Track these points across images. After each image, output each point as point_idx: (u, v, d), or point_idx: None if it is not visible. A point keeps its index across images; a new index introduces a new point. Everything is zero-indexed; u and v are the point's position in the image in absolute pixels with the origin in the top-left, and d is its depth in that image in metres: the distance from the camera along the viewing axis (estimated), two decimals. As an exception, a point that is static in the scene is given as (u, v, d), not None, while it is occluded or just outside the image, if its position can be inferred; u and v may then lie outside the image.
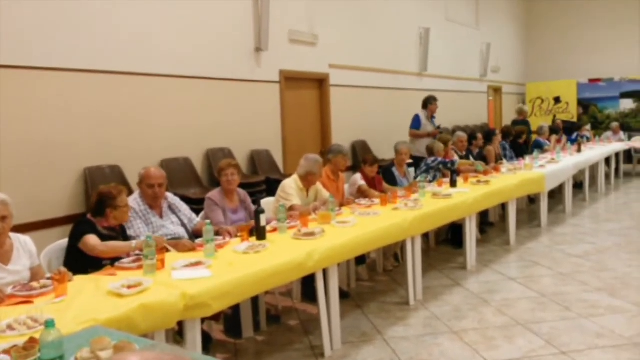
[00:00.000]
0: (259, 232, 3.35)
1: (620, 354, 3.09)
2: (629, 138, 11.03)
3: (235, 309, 3.51)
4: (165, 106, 5.32)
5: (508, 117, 13.36)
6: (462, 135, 7.18)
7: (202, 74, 5.67)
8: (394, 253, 5.16)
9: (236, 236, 3.43)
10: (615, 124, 11.24)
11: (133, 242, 3.00)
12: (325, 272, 3.27)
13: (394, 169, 5.73)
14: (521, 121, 9.94)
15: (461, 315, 3.79)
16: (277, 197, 4.24)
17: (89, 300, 2.30)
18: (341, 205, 4.46)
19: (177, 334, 2.92)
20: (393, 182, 5.58)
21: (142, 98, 5.09)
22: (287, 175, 4.99)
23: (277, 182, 4.63)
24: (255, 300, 3.62)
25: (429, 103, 7.93)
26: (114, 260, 2.92)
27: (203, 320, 2.71)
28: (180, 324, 2.50)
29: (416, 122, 7.63)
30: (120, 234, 3.15)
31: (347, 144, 7.77)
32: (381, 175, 5.70)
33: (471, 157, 7.19)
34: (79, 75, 4.56)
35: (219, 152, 5.75)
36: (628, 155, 10.81)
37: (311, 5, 7.15)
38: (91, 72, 4.64)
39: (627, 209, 7.45)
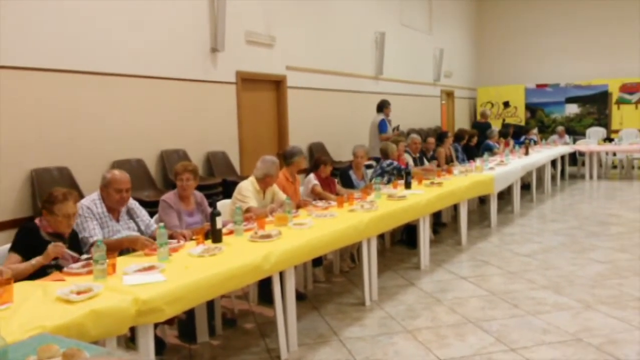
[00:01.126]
0: (215, 235, 3.32)
1: (566, 349, 3.23)
2: (574, 141, 11.57)
3: (190, 313, 3.46)
4: (118, 106, 5.19)
5: (460, 120, 13.77)
6: (416, 137, 7.34)
7: (156, 74, 5.56)
8: (350, 254, 5.21)
9: (191, 239, 3.38)
10: (560, 128, 11.77)
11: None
12: (282, 274, 3.27)
13: (351, 172, 5.79)
14: (484, 123, 10.38)
15: (415, 315, 3.87)
16: (233, 199, 4.21)
17: (36, 307, 2.22)
18: (298, 207, 4.48)
19: (130, 340, 2.85)
20: (350, 184, 5.64)
21: (92, 97, 4.95)
22: (244, 177, 4.95)
23: (234, 184, 4.59)
24: (210, 304, 3.57)
25: (384, 107, 8.16)
26: (60, 266, 2.82)
27: (156, 325, 2.65)
28: (133, 329, 2.45)
29: (384, 127, 7.89)
30: (68, 240, 3.03)
31: (304, 146, 7.79)
32: (338, 178, 5.76)
33: (424, 159, 7.37)
34: (25, 73, 4.38)
35: (173, 154, 5.65)
36: (573, 157, 11.34)
37: (268, 7, 7.14)
38: (38, 70, 4.48)
39: (572, 209, 7.80)
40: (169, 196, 3.81)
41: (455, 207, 6.35)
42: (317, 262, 4.67)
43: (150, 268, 2.72)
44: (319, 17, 8.25)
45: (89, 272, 2.65)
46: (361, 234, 4.03)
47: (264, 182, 4.27)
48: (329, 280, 4.83)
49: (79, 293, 2.29)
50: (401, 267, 5.13)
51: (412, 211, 4.82)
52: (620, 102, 12.61)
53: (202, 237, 3.32)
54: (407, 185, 5.50)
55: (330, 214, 4.18)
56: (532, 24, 14.08)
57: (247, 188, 4.18)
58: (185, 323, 3.59)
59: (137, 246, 3.12)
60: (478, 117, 11.14)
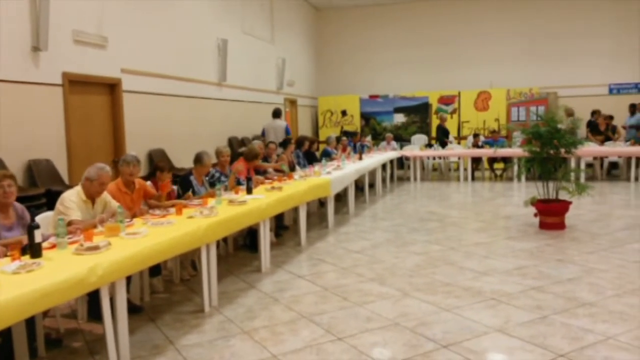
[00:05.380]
0: (33, 250, 3.07)
1: (385, 333, 3.61)
2: (401, 147, 12.82)
3: (6, 335, 3.14)
4: None
5: (304, 128, 14.39)
6: (260, 143, 7.56)
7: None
8: (192, 262, 5.17)
9: (5, 255, 3.09)
10: (388, 135, 12.97)
11: None
12: (112, 286, 3.15)
13: (192, 178, 5.73)
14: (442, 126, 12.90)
15: (253, 316, 3.99)
16: (56, 210, 3.91)
17: None
18: (134, 216, 4.33)
19: None
20: (191, 190, 5.58)
21: None
22: (73, 187, 4.62)
23: (61, 195, 4.25)
24: (31, 324, 3.29)
25: (281, 113, 10.30)
26: None
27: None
28: None
29: (289, 129, 10.01)
30: None
31: (143, 153, 7.50)
32: (178, 184, 5.66)
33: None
34: None
35: (-15, 162, 5.05)
36: (400, 162, 12.57)
37: (99, 6, 6.74)
38: None
39: (399, 209, 8.65)
40: (-21, 210, 3.41)
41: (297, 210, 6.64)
42: (155, 272, 4.55)
43: (-49, 290, 2.44)
44: (158, 20, 8.01)
45: None
46: (200, 240, 4.04)
47: (90, 189, 4.02)
48: (169, 290, 4.73)
49: None
50: (243, 271, 5.23)
51: (252, 215, 4.94)
52: (439, 112, 14.31)
53: (18, 252, 3.05)
54: (249, 191, 5.63)
55: (167, 221, 4.11)
56: (365, 39, 15.33)
57: (70, 198, 3.90)
58: (0, 346, 3.24)
59: None
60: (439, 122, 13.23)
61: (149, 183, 5.19)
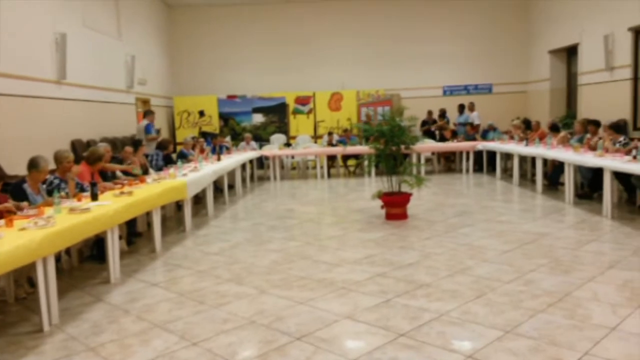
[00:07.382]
0: None
1: (240, 332, 3.63)
2: (261, 147, 12.93)
3: None
4: None
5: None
6: (106, 146, 7.11)
7: None
8: (28, 278, 4.68)
9: None
10: (247, 135, 13.01)
11: None
12: None
13: (26, 186, 5.19)
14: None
15: (100, 330, 3.75)
16: None
17: None
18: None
19: None
20: (24, 200, 5.05)
21: None
22: None
23: None
24: None
25: (149, 114, 10.70)
26: None
27: None
28: None
29: (150, 129, 10.27)
30: None
31: (-36, 159, 6.59)
32: (9, 194, 5.09)
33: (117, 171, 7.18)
34: None
35: None
36: (260, 161, 12.69)
37: None
38: None
39: (259, 208, 8.72)
40: None
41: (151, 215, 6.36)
42: (-19, 293, 4.05)
43: None
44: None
45: None
46: (34, 253, 3.68)
47: None
48: (2, 311, 4.24)
49: None
50: (89, 284, 4.87)
51: (97, 223, 4.63)
52: (296, 112, 14.70)
53: None
54: (93, 197, 5.26)
55: (-7, 236, 3.68)
56: (221, 39, 15.17)
57: None
58: None
59: None
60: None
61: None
